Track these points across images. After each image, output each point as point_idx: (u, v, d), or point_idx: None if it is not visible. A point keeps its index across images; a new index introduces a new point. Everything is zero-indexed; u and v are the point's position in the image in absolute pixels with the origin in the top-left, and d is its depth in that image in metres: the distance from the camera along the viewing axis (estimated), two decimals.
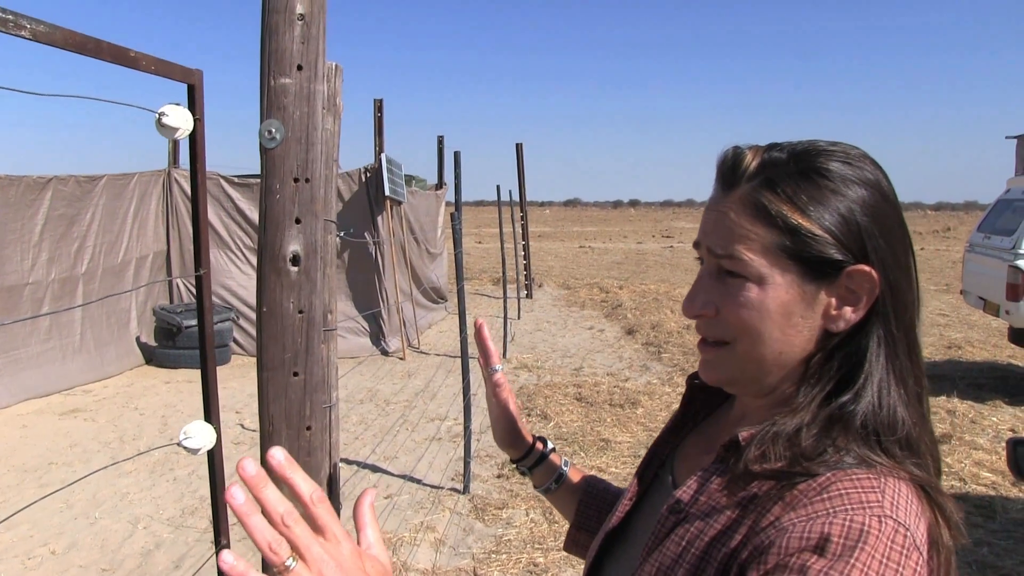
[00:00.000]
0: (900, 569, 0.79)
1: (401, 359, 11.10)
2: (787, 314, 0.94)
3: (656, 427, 7.38)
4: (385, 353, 11.34)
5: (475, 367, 10.13)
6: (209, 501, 2.20)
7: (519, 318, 14.69)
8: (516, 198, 18.21)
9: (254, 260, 11.02)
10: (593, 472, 5.51)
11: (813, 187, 0.93)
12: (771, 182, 0.94)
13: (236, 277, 11.29)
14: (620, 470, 6.27)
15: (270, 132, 1.61)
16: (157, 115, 1.63)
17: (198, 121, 1.74)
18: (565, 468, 1.50)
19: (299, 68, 1.61)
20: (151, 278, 10.68)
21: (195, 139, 1.76)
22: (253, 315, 11.20)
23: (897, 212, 0.97)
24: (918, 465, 0.93)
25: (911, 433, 0.94)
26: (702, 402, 1.22)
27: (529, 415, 8.01)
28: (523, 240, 18.31)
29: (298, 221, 1.64)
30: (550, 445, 1.52)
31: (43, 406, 8.59)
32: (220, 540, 1.99)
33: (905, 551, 0.80)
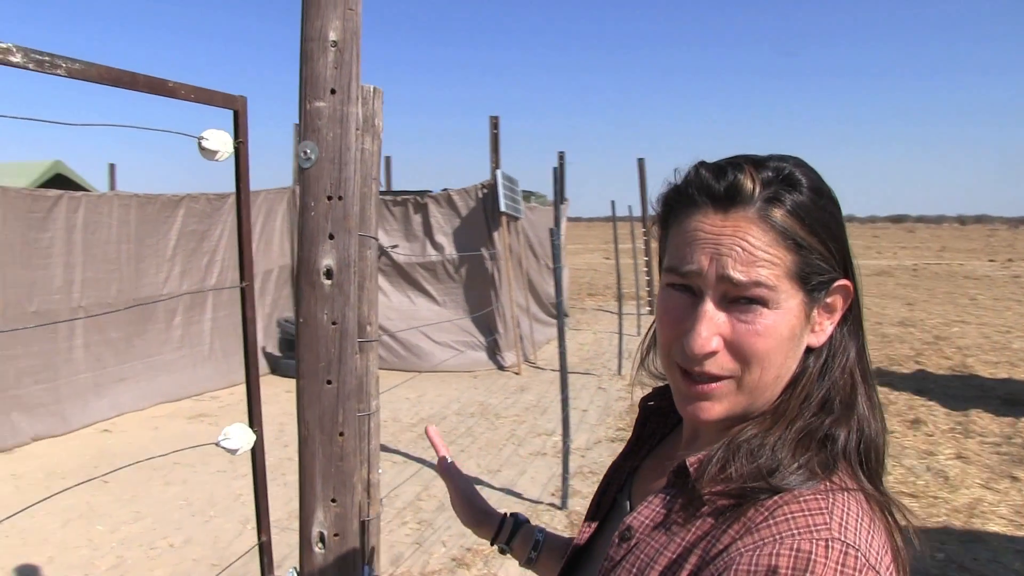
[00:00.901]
0: None
1: (516, 374, 11.19)
2: (794, 337, 0.93)
3: None
4: (500, 367, 11.46)
5: (576, 382, 10.20)
6: None
7: (638, 334, 14.61)
8: (638, 213, 18.15)
9: (383, 278, 11.30)
10: None
11: (810, 205, 0.92)
12: (777, 202, 0.91)
13: None
14: None
15: (305, 153, 1.70)
16: (198, 139, 1.74)
17: (241, 144, 1.85)
18: (540, 536, 1.49)
19: (332, 92, 1.70)
20: (276, 291, 11.12)
21: (239, 161, 1.87)
22: (392, 330, 11.51)
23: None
24: (871, 474, 0.93)
25: (880, 443, 0.96)
26: (656, 424, 1.21)
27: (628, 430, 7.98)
28: (645, 256, 18.21)
29: (331, 237, 1.72)
30: (522, 517, 1.52)
31: (174, 410, 9.08)
32: (261, 536, 2.09)
33: (857, 572, 0.78)
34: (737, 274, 0.90)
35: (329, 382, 1.76)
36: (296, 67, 1.75)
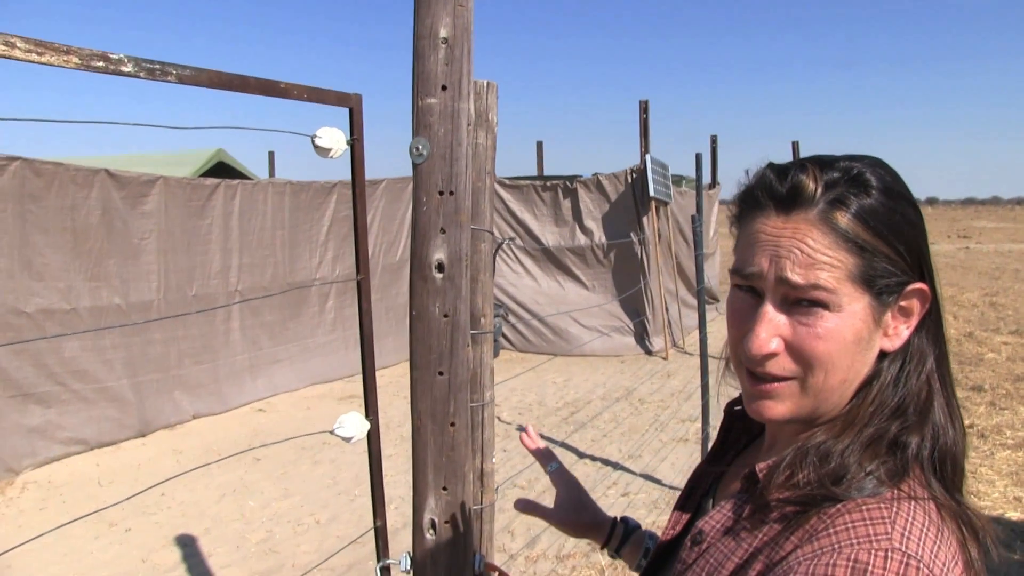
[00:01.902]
0: None
1: (664, 359, 11.10)
2: (859, 340, 0.90)
3: None
4: (648, 352, 11.39)
5: (716, 367, 9.85)
6: None
7: None
8: None
9: (525, 260, 11.43)
10: None
11: (878, 207, 0.89)
12: (841, 204, 0.89)
13: (507, 276, 11.74)
14: None
15: (418, 149, 1.73)
16: (311, 137, 1.80)
17: (356, 141, 1.90)
18: (650, 543, 1.49)
19: (443, 88, 1.72)
20: None
21: (354, 157, 1.92)
22: (523, 313, 11.62)
23: (924, 224, 0.95)
24: (947, 483, 0.90)
25: (959, 452, 0.92)
26: (742, 429, 1.20)
27: None
28: None
29: (443, 231, 1.75)
30: (632, 523, 1.52)
31: (326, 391, 9.44)
32: (376, 521, 2.15)
33: None
34: (795, 276, 0.88)
35: (441, 373, 1.79)
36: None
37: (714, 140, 14.58)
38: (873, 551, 0.78)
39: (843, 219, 0.88)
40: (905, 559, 0.77)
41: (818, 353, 0.89)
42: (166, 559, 5.03)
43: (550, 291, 11.66)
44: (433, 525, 1.86)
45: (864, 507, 0.84)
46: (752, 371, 0.95)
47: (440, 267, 1.75)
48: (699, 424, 7.24)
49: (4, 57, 1.25)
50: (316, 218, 9.48)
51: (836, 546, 0.80)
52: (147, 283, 7.58)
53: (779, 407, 0.94)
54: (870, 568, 0.77)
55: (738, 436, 1.20)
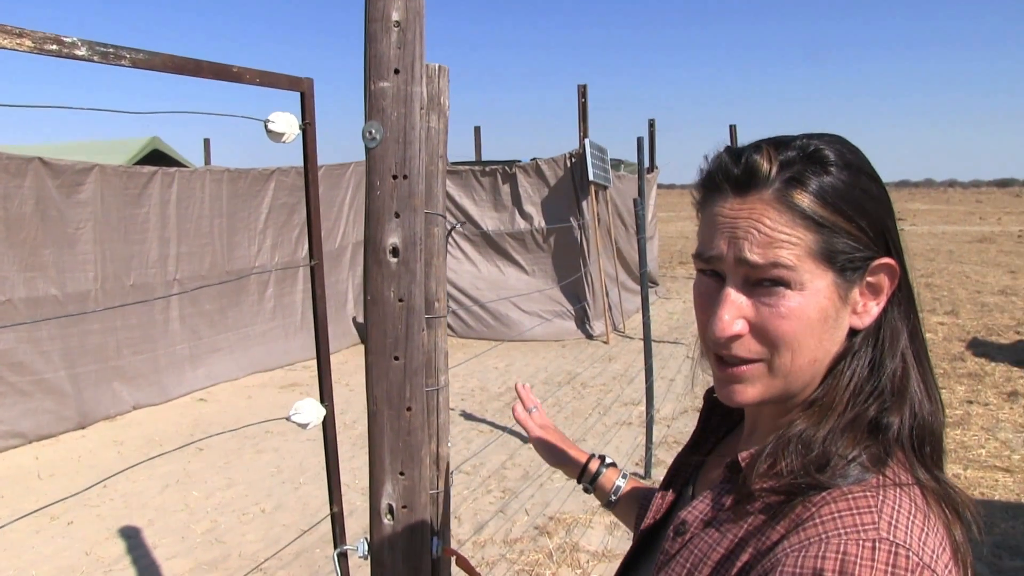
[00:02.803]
0: None
1: (605, 343, 11.18)
2: (826, 318, 0.90)
3: None
4: (590, 337, 11.46)
5: (664, 351, 10.15)
6: None
7: None
8: None
9: (464, 246, 11.40)
10: None
11: (837, 183, 0.90)
12: (797, 182, 0.89)
13: (447, 262, 11.70)
14: None
15: (371, 133, 1.72)
16: (264, 122, 1.78)
17: (308, 125, 1.89)
18: (621, 481, 1.57)
19: (396, 72, 1.71)
20: None
21: (306, 141, 1.90)
22: (463, 299, 11.60)
23: (889, 199, 0.95)
24: (927, 462, 0.90)
25: (938, 427, 0.92)
26: (722, 416, 1.20)
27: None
28: None
29: (397, 215, 1.74)
30: (608, 461, 1.60)
31: (267, 379, 9.36)
32: (333, 507, 2.14)
33: (910, 573, 0.76)
34: (754, 256, 0.89)
35: (396, 358, 1.79)
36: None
37: (652, 124, 14.68)
38: (861, 542, 0.78)
39: (800, 196, 0.89)
40: (894, 548, 0.78)
41: (783, 333, 0.90)
42: (110, 551, 4.94)
43: (490, 277, 11.67)
44: (391, 510, 1.86)
45: (850, 495, 0.84)
46: (719, 355, 0.96)
47: (395, 251, 1.75)
48: (643, 407, 7.32)
49: None
50: (254, 206, 9.37)
51: (823, 536, 0.80)
52: (84, 273, 7.43)
53: (749, 390, 0.95)
54: (859, 559, 0.77)
55: (718, 423, 1.20)
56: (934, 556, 0.79)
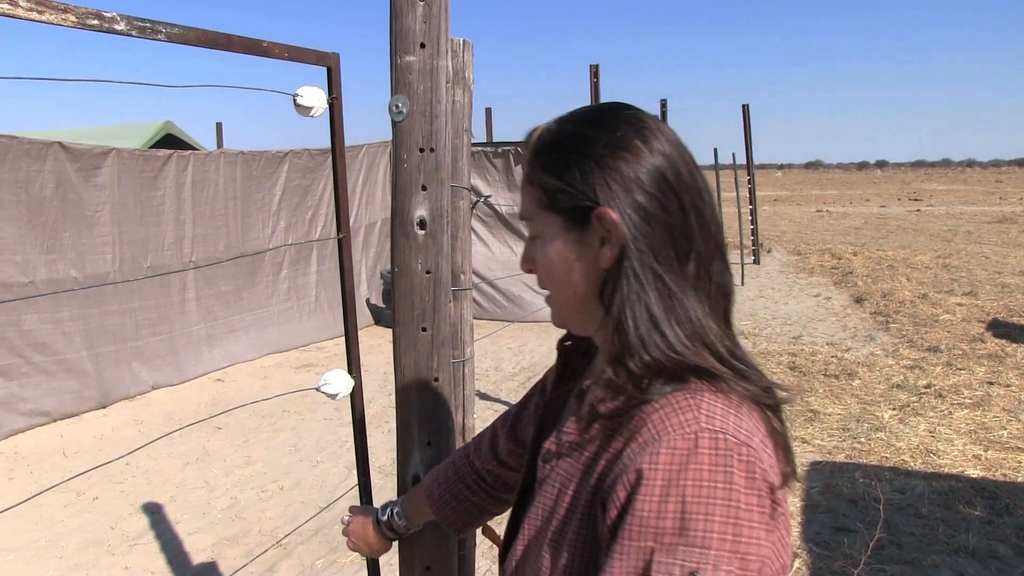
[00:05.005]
0: (728, 468, 0.91)
1: None
2: (565, 260, 1.10)
3: (871, 400, 7.13)
4: None
5: None
6: None
7: (743, 284, 14.44)
8: (743, 161, 17.85)
9: (477, 226, 11.40)
10: (796, 444, 5.43)
11: (560, 149, 1.09)
12: (537, 153, 1.13)
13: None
14: (826, 442, 6.10)
15: (397, 107, 1.74)
16: (293, 96, 1.80)
17: (335, 100, 1.90)
18: (400, 519, 1.76)
19: (422, 46, 1.73)
20: (379, 243, 11.35)
21: (333, 116, 1.92)
22: (476, 279, 11.62)
23: (641, 160, 1.05)
24: (725, 362, 1.02)
25: (695, 336, 1.03)
26: (579, 362, 1.34)
27: None
28: (750, 204, 17.90)
29: (424, 188, 1.77)
30: (383, 517, 1.77)
31: (282, 360, 9.42)
32: (361, 476, 2.17)
33: (728, 452, 0.92)
34: (521, 213, 1.17)
35: (424, 329, 1.81)
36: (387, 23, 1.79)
37: (664, 104, 14.60)
38: (686, 435, 0.93)
39: (533, 163, 1.13)
40: (714, 435, 0.93)
41: (539, 272, 1.15)
42: (134, 526, 5.02)
43: (503, 257, 11.69)
44: (417, 480, 1.89)
45: (673, 401, 0.98)
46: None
47: (422, 224, 1.77)
48: None
49: (7, 16, 1.25)
50: (268, 187, 9.41)
51: (655, 437, 0.95)
52: (102, 255, 7.50)
53: (553, 315, 1.19)
54: (688, 450, 0.92)
55: (575, 369, 1.35)
56: (749, 434, 0.95)
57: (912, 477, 5.35)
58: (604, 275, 1.07)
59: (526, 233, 1.18)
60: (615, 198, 1.05)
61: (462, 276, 2.04)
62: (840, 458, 5.75)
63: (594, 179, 1.06)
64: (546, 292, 1.17)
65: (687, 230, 1.06)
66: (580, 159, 1.07)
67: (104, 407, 7.53)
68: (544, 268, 1.13)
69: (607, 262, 1.06)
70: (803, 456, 5.75)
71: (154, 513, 5.19)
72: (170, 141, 11.81)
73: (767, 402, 1.02)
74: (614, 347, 1.04)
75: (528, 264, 1.17)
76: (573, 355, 1.34)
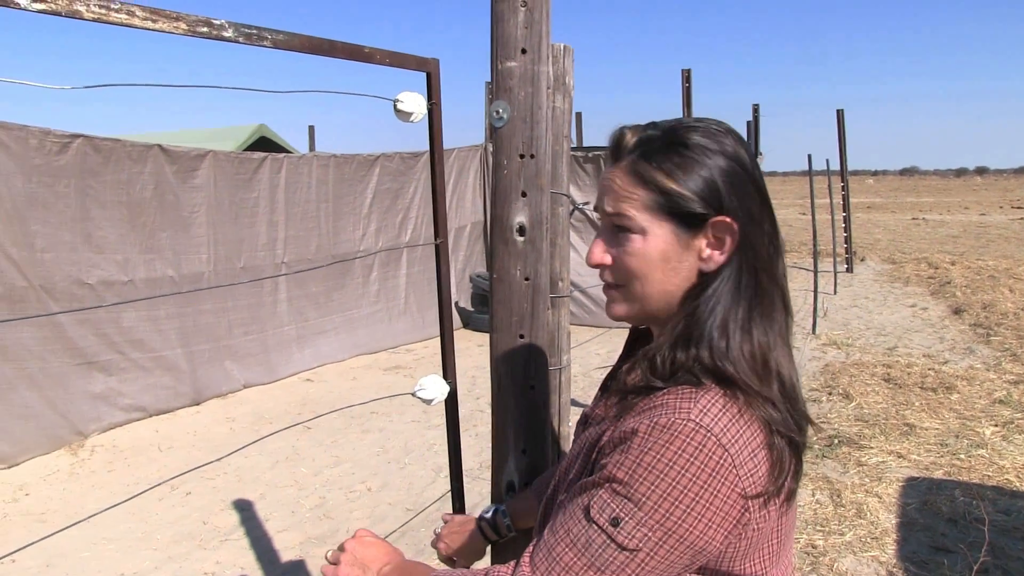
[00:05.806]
0: (691, 457, 1.01)
1: None
2: (666, 259, 1.16)
3: (971, 415, 6.90)
4: None
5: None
6: None
7: (835, 293, 14.13)
8: (836, 167, 17.46)
9: (574, 233, 11.39)
10: (891, 458, 5.34)
11: (679, 157, 1.14)
12: (646, 154, 1.16)
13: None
14: (923, 458, 5.90)
15: (498, 112, 1.73)
16: (393, 102, 1.81)
17: (435, 105, 1.91)
18: (505, 517, 1.81)
19: (523, 52, 1.72)
20: (469, 247, 11.40)
21: (432, 122, 1.93)
22: (582, 286, 11.60)
23: (751, 176, 1.16)
24: (750, 378, 1.09)
25: (754, 353, 1.11)
26: (644, 343, 1.37)
27: (831, 394, 7.73)
28: (843, 211, 17.52)
29: (524, 194, 1.76)
30: (487, 515, 1.82)
31: (371, 361, 9.53)
32: (454, 481, 2.17)
33: (701, 446, 1.01)
34: (608, 207, 1.19)
35: (521, 336, 1.80)
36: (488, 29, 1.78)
37: (756, 109, 14.39)
38: (672, 417, 1.04)
39: (642, 164, 1.16)
40: (696, 428, 1.02)
41: (630, 267, 1.17)
42: (225, 521, 5.13)
43: None
44: (512, 487, 1.88)
45: (679, 391, 1.08)
46: (603, 279, 1.25)
47: (521, 230, 1.76)
48: None
49: (125, 25, 1.28)
50: (359, 191, 9.53)
51: (650, 409, 1.08)
52: (197, 255, 7.68)
53: (616, 307, 1.24)
54: (662, 425, 1.03)
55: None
56: (734, 440, 1.03)
57: (1018, 498, 5.15)
58: (701, 277, 1.16)
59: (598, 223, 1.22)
60: (733, 209, 1.13)
61: (560, 283, 2.03)
62: (938, 474, 5.56)
63: (716, 188, 1.13)
64: (607, 281, 1.23)
65: (776, 239, 1.17)
66: (702, 168, 1.13)
67: (197, 404, 7.71)
68: (636, 263, 1.17)
69: (713, 266, 1.15)
70: (898, 471, 5.58)
71: (244, 510, 5.29)
72: (264, 144, 12.04)
73: (783, 432, 1.09)
74: (676, 337, 1.14)
75: (604, 257, 1.21)
76: (643, 338, 1.40)
